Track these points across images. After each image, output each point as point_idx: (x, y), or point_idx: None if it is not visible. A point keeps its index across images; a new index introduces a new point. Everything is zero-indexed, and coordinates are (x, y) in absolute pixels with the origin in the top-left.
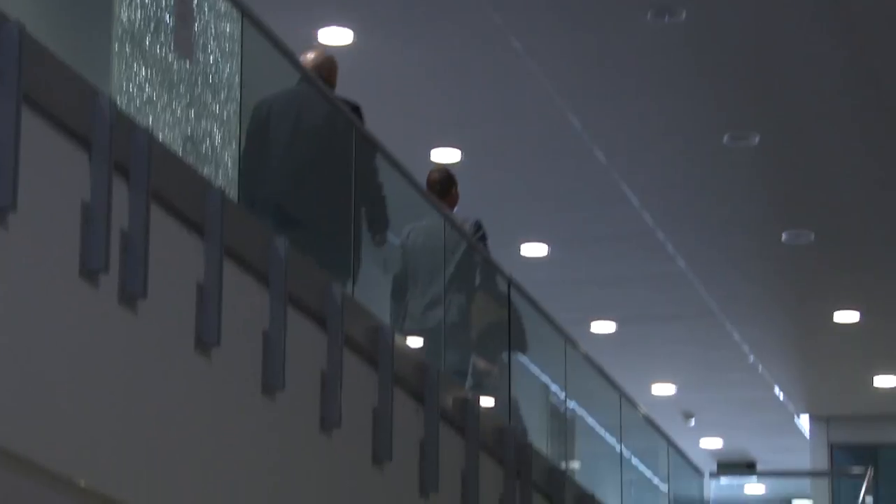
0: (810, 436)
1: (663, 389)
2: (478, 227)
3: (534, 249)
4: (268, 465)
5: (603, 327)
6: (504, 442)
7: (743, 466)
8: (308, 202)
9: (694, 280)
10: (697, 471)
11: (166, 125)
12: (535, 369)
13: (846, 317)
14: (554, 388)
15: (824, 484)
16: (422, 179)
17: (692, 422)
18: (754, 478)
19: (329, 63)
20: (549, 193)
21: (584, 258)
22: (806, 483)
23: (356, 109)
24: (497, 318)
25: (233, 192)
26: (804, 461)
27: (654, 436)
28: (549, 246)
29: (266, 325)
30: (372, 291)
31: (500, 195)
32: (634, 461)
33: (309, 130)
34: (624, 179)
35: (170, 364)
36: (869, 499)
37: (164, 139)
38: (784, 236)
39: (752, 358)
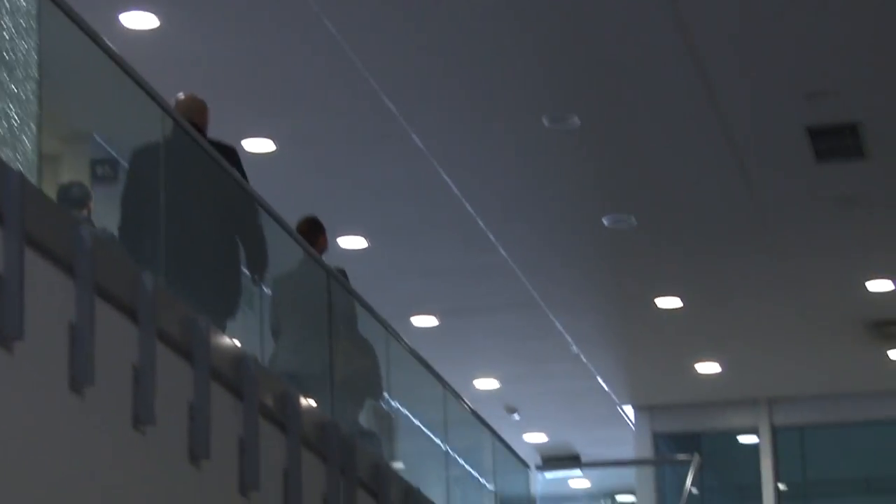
0: (634, 426)
1: (486, 384)
2: (342, 274)
3: (352, 242)
4: (77, 466)
5: (424, 321)
6: (327, 438)
7: (568, 459)
8: (188, 246)
9: (515, 268)
10: (523, 465)
11: None
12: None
13: (668, 303)
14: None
15: (649, 475)
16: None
17: (516, 416)
18: (579, 471)
19: (198, 107)
20: (367, 183)
21: (403, 250)
22: (631, 476)
23: (232, 151)
24: (360, 366)
25: (33, 177)
26: (629, 452)
27: (479, 431)
28: (367, 238)
29: (73, 317)
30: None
31: (316, 186)
32: (459, 458)
33: (184, 175)
34: (442, 166)
35: None
36: (694, 488)
37: None
38: (605, 221)
39: (574, 348)
